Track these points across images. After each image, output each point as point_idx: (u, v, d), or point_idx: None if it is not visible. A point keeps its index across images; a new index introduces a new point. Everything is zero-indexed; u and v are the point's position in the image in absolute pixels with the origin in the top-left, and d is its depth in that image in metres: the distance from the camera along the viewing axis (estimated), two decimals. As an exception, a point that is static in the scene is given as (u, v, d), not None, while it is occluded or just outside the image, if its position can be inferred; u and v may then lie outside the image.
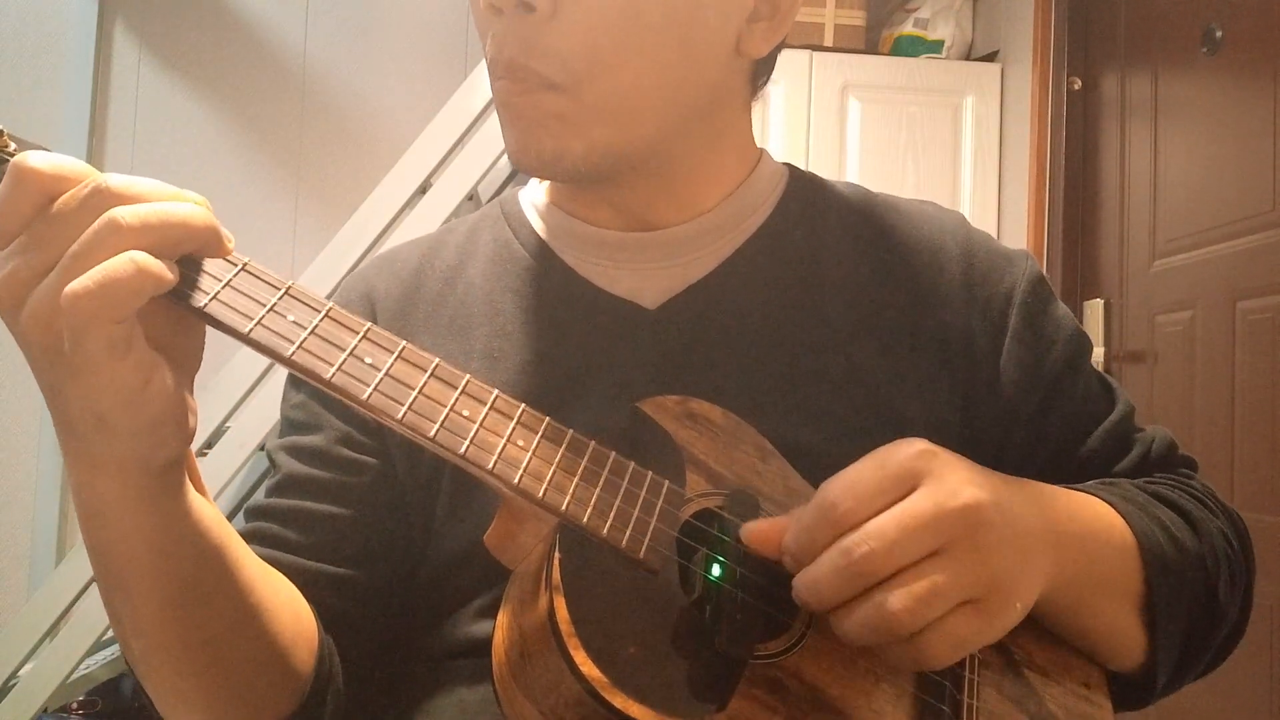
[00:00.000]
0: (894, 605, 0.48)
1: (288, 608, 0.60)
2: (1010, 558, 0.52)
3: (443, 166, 2.30)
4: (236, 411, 2.25)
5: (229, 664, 0.56)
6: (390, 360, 0.49)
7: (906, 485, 0.51)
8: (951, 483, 0.51)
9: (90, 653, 2.19)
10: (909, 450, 0.52)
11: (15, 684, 2.21)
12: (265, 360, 2.19)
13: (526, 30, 0.62)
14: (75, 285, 0.42)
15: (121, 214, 0.44)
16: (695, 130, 0.70)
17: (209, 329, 0.48)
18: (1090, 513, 0.63)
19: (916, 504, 0.50)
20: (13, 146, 0.47)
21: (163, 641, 0.54)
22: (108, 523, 0.49)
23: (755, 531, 0.54)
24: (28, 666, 2.22)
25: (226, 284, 0.47)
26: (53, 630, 2.22)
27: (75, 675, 2.22)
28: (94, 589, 2.17)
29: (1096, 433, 0.73)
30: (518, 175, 2.82)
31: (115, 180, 0.45)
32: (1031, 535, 0.54)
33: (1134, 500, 0.66)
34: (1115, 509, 0.64)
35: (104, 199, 0.44)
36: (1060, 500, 0.61)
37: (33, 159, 0.45)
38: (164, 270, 0.44)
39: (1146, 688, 0.66)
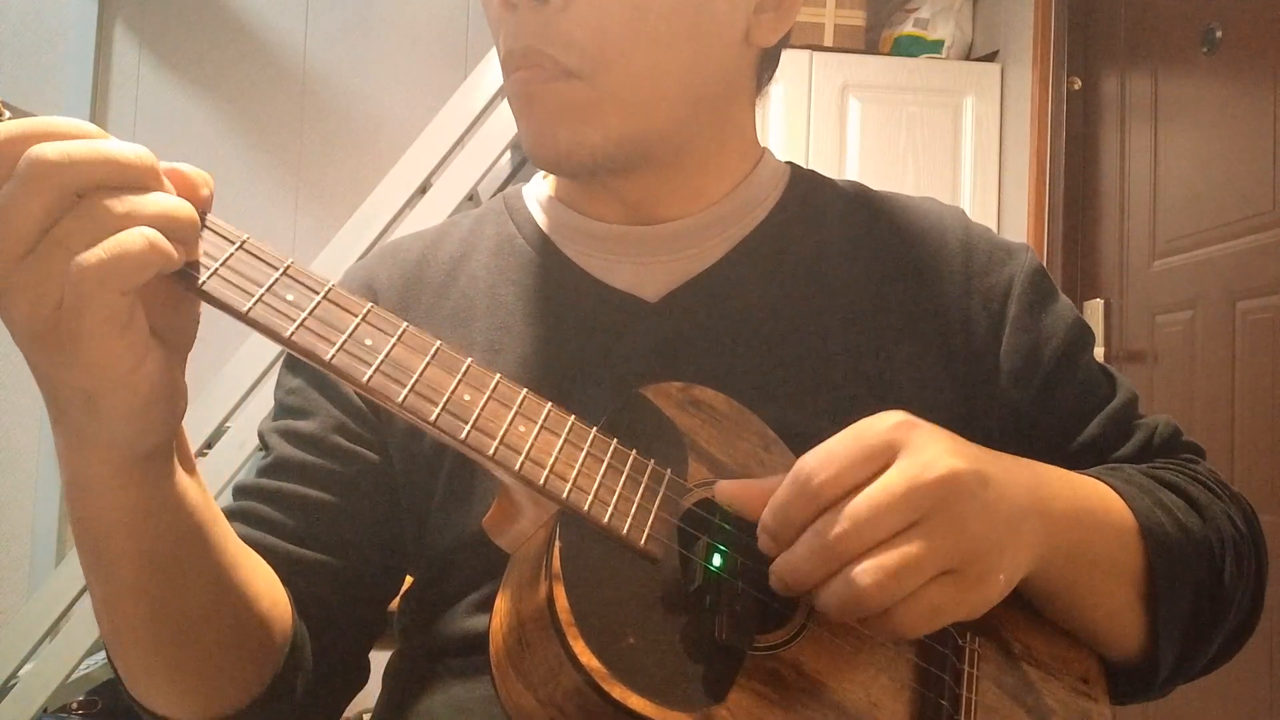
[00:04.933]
0: (863, 580, 0.47)
1: (265, 592, 0.60)
2: (992, 528, 0.51)
3: (443, 166, 2.30)
4: (236, 411, 2.24)
5: (199, 644, 0.56)
6: (391, 343, 0.49)
7: (883, 458, 0.50)
8: (928, 454, 0.50)
9: (90, 653, 2.19)
10: (887, 422, 0.52)
11: (15, 684, 2.21)
12: (265, 360, 2.20)
13: (542, 20, 0.64)
14: (85, 256, 0.41)
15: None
16: (705, 120, 0.71)
17: (205, 308, 0.48)
18: (1086, 491, 0.62)
19: (890, 479, 0.49)
20: (6, 115, 0.46)
21: (133, 617, 0.54)
22: (88, 496, 0.49)
23: (727, 490, 0.54)
24: (28, 666, 2.22)
25: (224, 262, 0.46)
26: (53, 630, 2.21)
27: (75, 675, 2.22)
28: (94, 588, 2.17)
29: (1097, 419, 0.72)
30: (518, 175, 2.82)
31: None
32: (1017, 507, 0.53)
33: (1135, 483, 0.65)
34: (1115, 490, 0.63)
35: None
36: (1053, 477, 0.60)
37: None
38: (171, 249, 0.43)
39: (1149, 678, 0.64)
